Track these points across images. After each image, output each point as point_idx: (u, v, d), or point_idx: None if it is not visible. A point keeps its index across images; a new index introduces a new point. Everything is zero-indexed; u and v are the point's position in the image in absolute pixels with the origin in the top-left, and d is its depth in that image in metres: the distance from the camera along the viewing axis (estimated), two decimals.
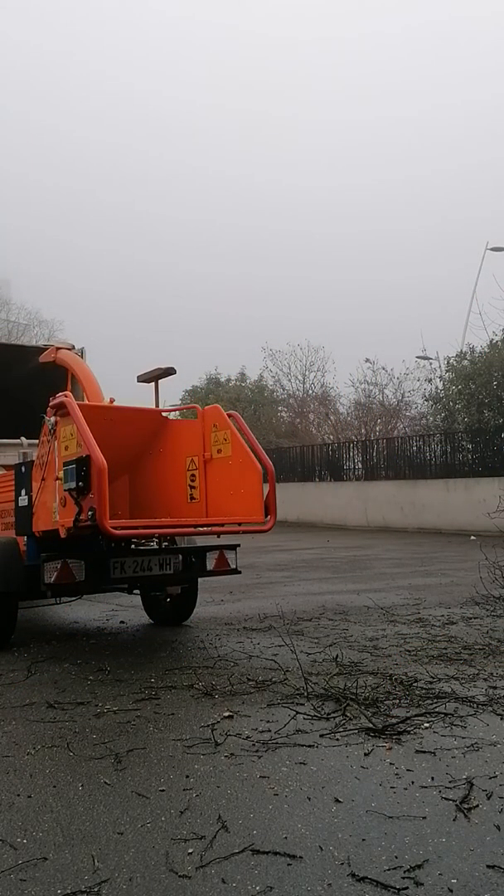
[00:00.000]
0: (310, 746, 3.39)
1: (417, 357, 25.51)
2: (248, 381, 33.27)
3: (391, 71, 70.76)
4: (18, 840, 2.57)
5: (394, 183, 65.83)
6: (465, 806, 2.74)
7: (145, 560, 5.53)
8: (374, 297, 54.64)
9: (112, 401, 6.88)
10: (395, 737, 3.46)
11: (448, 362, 22.53)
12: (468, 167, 65.06)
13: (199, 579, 6.30)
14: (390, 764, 3.16)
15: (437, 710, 3.81)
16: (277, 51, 70.26)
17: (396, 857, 2.38)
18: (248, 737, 3.53)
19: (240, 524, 5.73)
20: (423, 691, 4.15)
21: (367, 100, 67.79)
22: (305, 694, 4.15)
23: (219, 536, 5.93)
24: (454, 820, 2.64)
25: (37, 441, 5.50)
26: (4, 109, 61.45)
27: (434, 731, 3.53)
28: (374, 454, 21.63)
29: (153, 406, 6.63)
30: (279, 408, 31.57)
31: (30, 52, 66.07)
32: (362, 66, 67.90)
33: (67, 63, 68.37)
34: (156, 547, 5.92)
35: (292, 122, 68.70)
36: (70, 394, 5.50)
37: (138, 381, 6.61)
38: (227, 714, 3.86)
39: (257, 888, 2.22)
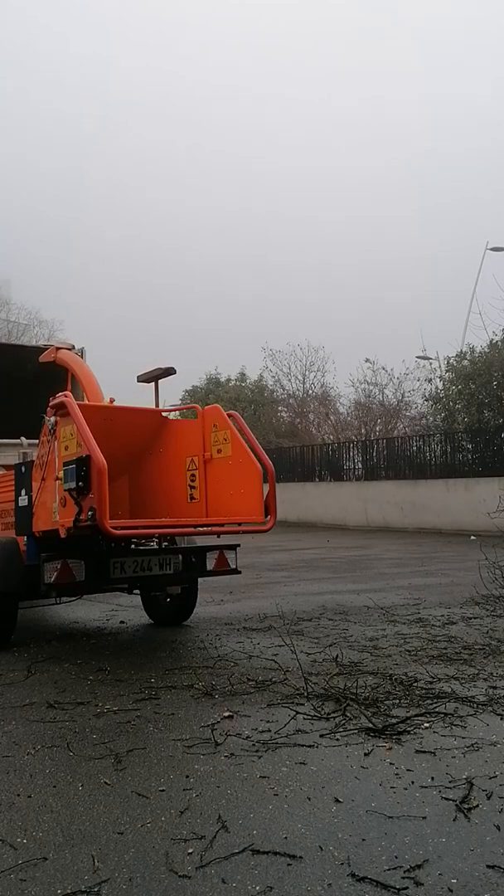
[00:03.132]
0: (310, 746, 3.39)
1: (417, 357, 25.55)
2: (248, 381, 33.29)
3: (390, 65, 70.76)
4: (18, 840, 2.57)
5: (395, 179, 65.93)
6: (465, 806, 2.74)
7: (145, 560, 5.53)
8: (374, 297, 54.67)
9: (112, 401, 6.88)
10: (395, 737, 3.46)
11: (448, 362, 22.57)
12: (468, 166, 65.17)
13: (199, 579, 6.30)
14: (390, 764, 3.16)
15: (437, 710, 3.81)
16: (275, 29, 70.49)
17: (396, 857, 2.37)
18: (248, 737, 3.53)
19: (240, 524, 5.73)
20: (423, 691, 4.15)
21: (369, 95, 67.87)
22: (305, 694, 4.15)
23: (219, 536, 5.93)
24: (454, 820, 2.64)
25: (37, 441, 5.50)
26: (5, 109, 61.54)
27: (434, 731, 3.53)
28: (374, 454, 21.63)
29: (153, 406, 6.63)
30: (279, 408, 31.58)
31: (30, 54, 66.31)
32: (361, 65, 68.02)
33: (64, 63, 68.57)
34: (156, 547, 5.92)
35: (296, 107, 68.74)
36: (70, 394, 5.51)
37: (138, 381, 6.61)
38: (227, 714, 3.86)
39: (257, 888, 2.22)
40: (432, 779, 3.00)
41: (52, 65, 66.62)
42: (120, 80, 69.98)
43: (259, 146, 67.57)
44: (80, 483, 4.61)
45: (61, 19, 68.94)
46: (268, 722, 3.73)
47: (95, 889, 2.24)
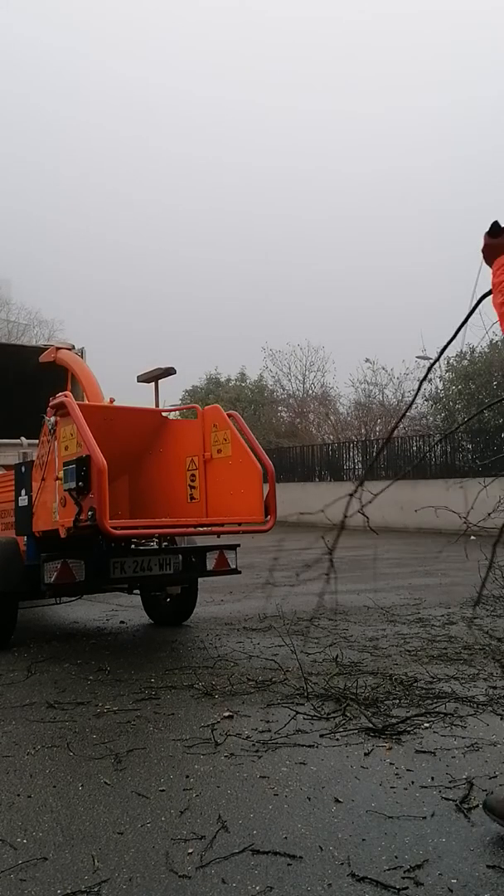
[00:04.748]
0: (310, 746, 3.39)
1: (417, 357, 25.55)
2: (248, 381, 33.29)
3: (394, 62, 70.87)
4: (18, 840, 2.57)
5: (394, 174, 66.01)
6: (465, 806, 2.74)
7: (145, 560, 5.53)
8: (374, 295, 54.74)
9: (112, 401, 6.88)
10: (395, 737, 3.46)
11: (448, 362, 22.58)
12: (469, 164, 65.34)
13: (199, 579, 6.30)
14: (390, 764, 3.16)
15: (437, 710, 3.81)
16: (278, 38, 71.00)
17: (396, 857, 2.37)
18: (248, 737, 3.53)
19: (240, 524, 5.73)
20: (423, 691, 4.15)
21: (370, 93, 68.05)
22: (305, 694, 4.15)
23: (219, 536, 5.92)
24: (454, 820, 2.64)
25: (37, 441, 5.50)
26: (4, 110, 61.79)
27: (434, 731, 3.53)
28: (374, 454, 21.62)
29: (153, 406, 6.63)
30: (279, 408, 31.58)
31: (27, 57, 66.68)
32: (365, 54, 68.30)
33: (64, 71, 68.83)
34: (156, 547, 5.92)
35: (292, 113, 68.98)
36: (70, 394, 5.51)
37: (138, 381, 6.62)
38: (227, 714, 3.86)
39: (257, 888, 2.22)
40: (432, 779, 3.00)
41: (53, 70, 66.75)
42: (122, 87, 70.10)
43: (258, 148, 67.64)
44: (80, 483, 4.61)
45: (59, 26, 69.04)
46: (268, 722, 3.73)
47: (95, 889, 2.24)
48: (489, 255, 2.75)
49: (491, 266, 2.74)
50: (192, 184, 68.60)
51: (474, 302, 2.99)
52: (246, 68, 73.75)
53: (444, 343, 3.48)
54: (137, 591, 6.48)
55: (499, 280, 2.65)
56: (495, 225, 2.73)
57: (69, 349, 7.84)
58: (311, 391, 31.05)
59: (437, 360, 3.89)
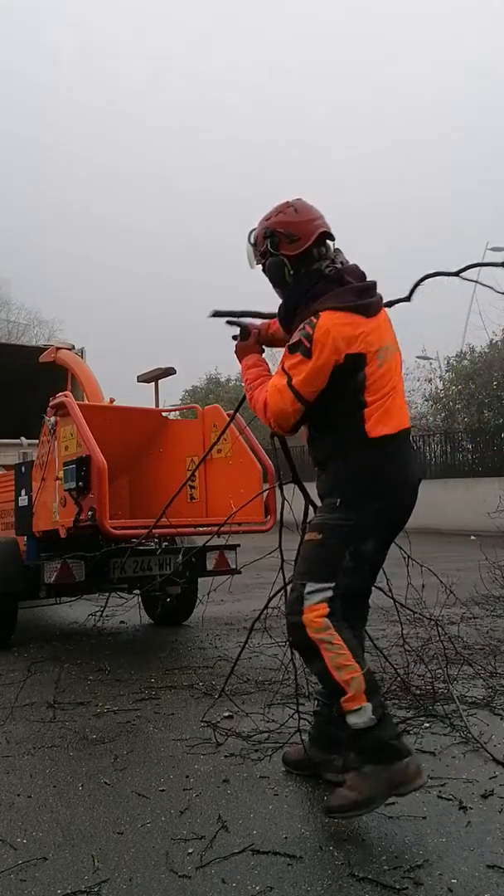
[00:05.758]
0: None
1: (417, 357, 25.47)
2: None
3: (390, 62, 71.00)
4: (18, 840, 2.57)
5: (393, 171, 66.04)
6: (465, 806, 2.74)
7: (145, 560, 5.53)
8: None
9: (112, 401, 6.89)
10: None
11: (448, 362, 22.58)
12: (468, 163, 65.40)
13: (199, 579, 6.30)
14: None
15: (436, 710, 3.81)
16: (276, 41, 71.19)
17: (396, 857, 2.37)
18: (248, 737, 3.53)
19: (240, 524, 5.73)
20: (423, 691, 4.14)
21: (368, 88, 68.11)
22: (306, 694, 4.15)
23: (219, 536, 5.92)
24: (454, 820, 2.64)
25: (37, 441, 5.50)
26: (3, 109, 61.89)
27: (434, 732, 3.53)
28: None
29: (153, 406, 6.64)
30: None
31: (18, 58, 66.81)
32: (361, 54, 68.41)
33: (59, 66, 69.05)
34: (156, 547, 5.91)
35: (290, 112, 69.10)
36: (70, 394, 5.51)
37: (138, 381, 6.62)
38: (227, 714, 3.86)
39: (257, 888, 2.22)
40: (432, 779, 2.99)
41: (49, 67, 66.81)
42: (122, 84, 70.13)
43: (256, 140, 67.64)
44: (80, 483, 4.61)
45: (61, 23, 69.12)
46: (268, 722, 3.73)
47: (95, 889, 2.24)
48: (239, 355, 3.12)
49: (240, 364, 3.09)
50: (193, 182, 68.61)
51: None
52: (246, 59, 73.77)
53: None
54: (138, 591, 6.48)
55: (246, 379, 2.99)
56: (242, 330, 3.12)
57: (69, 349, 7.84)
58: None
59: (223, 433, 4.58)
